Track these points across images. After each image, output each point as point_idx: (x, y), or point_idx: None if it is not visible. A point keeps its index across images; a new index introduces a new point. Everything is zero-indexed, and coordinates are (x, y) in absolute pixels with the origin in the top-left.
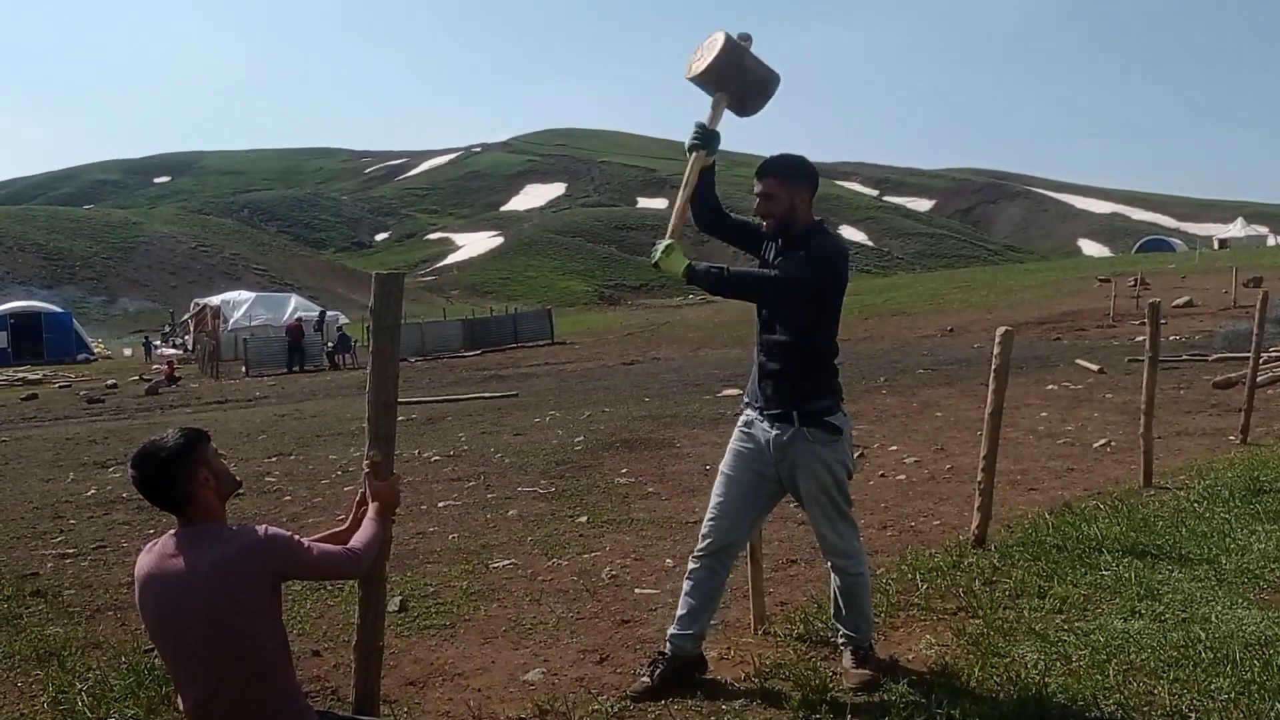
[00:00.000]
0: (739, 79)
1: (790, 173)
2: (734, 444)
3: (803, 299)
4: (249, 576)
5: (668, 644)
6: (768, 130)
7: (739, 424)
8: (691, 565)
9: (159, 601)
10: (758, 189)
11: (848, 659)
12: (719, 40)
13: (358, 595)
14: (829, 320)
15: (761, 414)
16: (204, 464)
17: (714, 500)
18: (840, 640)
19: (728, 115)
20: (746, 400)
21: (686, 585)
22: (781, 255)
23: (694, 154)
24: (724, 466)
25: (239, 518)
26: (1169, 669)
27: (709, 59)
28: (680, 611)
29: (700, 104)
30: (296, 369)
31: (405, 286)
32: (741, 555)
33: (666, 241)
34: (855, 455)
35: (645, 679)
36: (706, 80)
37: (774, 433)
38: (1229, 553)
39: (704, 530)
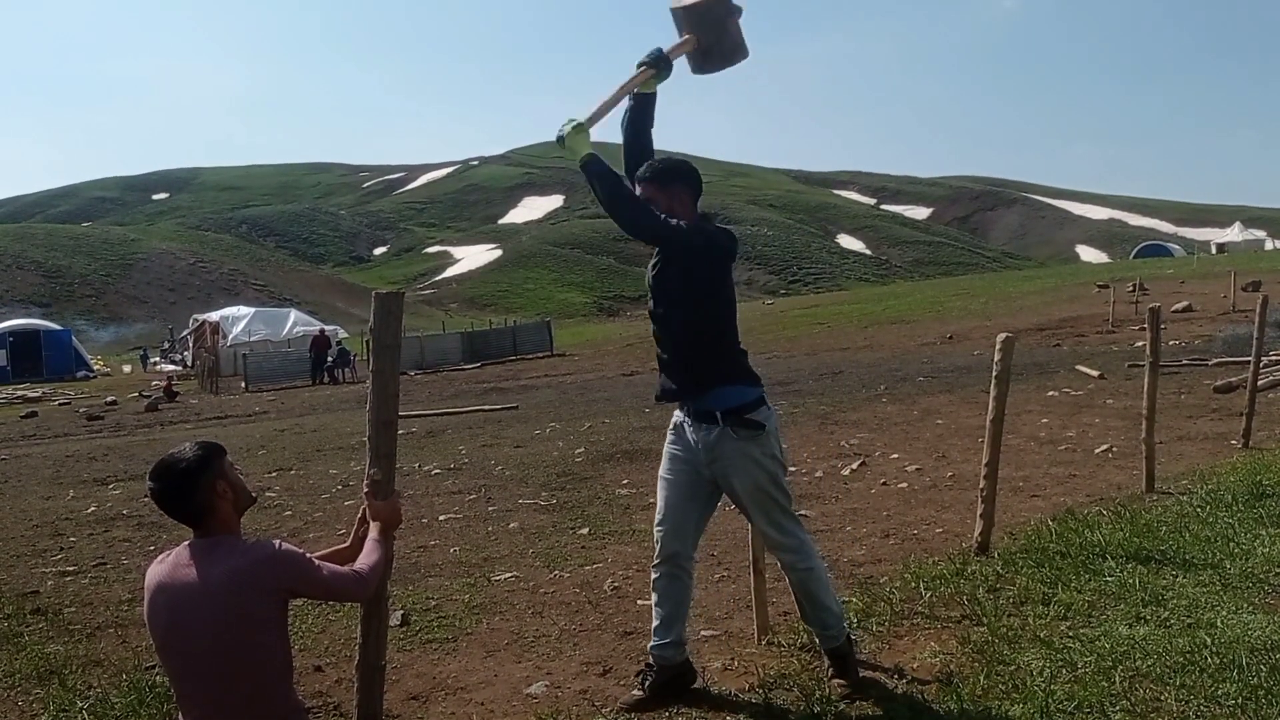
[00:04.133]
0: (716, 32)
1: (667, 177)
2: (667, 447)
3: (694, 275)
4: (260, 589)
5: (651, 657)
6: (766, 140)
7: (670, 426)
8: (652, 576)
9: (170, 610)
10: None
11: (828, 665)
12: None
13: (359, 613)
14: (720, 300)
15: (686, 415)
16: (222, 476)
17: (659, 506)
18: (817, 642)
19: (680, 67)
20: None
21: (653, 597)
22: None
23: (641, 69)
24: (662, 471)
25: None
26: (1175, 675)
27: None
28: (655, 624)
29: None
30: (325, 381)
31: (404, 301)
32: (745, 566)
33: (578, 120)
34: (857, 464)
35: (636, 690)
36: (687, 17)
37: (702, 434)
38: (1233, 557)
39: (655, 538)
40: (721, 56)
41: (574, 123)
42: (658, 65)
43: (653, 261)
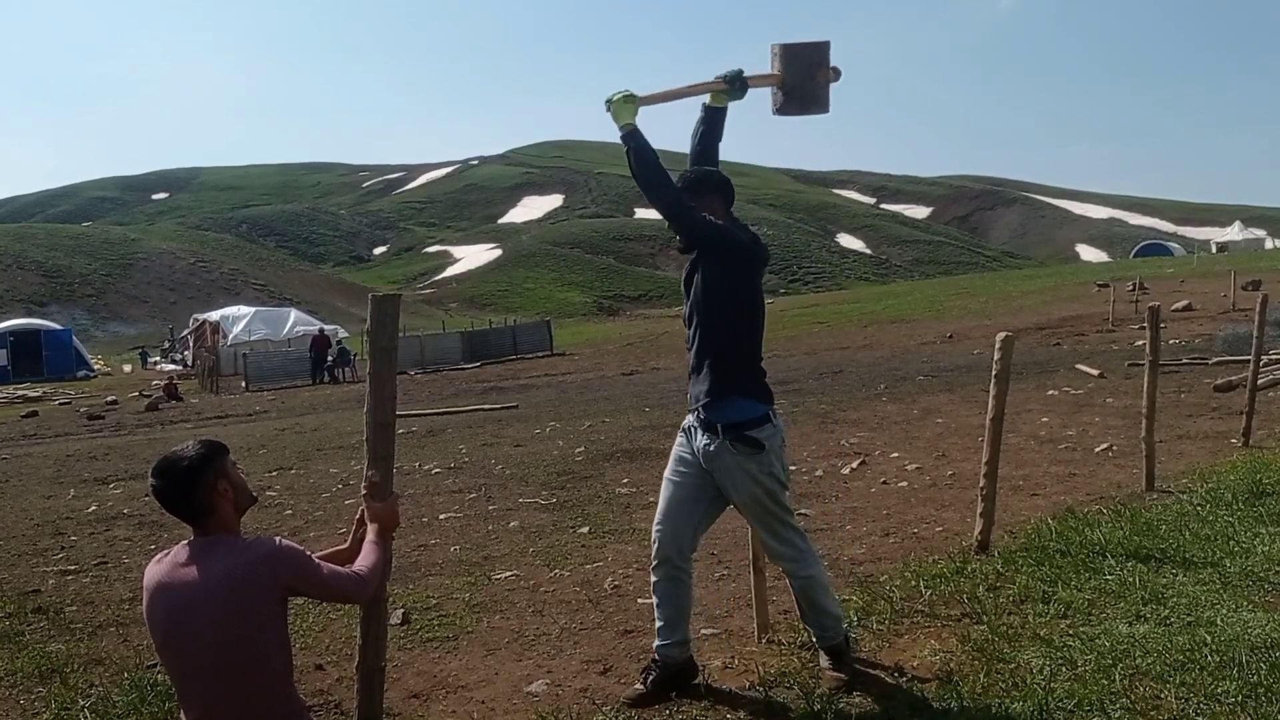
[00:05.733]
0: (802, 77)
1: (701, 186)
2: (675, 449)
3: (713, 278)
4: (260, 587)
5: (656, 654)
6: (767, 138)
7: (680, 427)
8: (652, 578)
9: (170, 610)
10: None
11: (824, 660)
12: (823, 44)
13: (359, 613)
14: (738, 306)
15: (696, 420)
16: (224, 475)
17: (660, 507)
18: (814, 640)
19: (758, 103)
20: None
21: (654, 599)
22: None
23: (716, 79)
24: (667, 471)
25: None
26: (1175, 673)
27: (803, 45)
28: (658, 624)
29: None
30: (326, 380)
31: (403, 300)
32: (745, 564)
33: (630, 91)
34: (857, 463)
35: (639, 685)
36: (784, 54)
37: (703, 442)
38: (1233, 556)
39: (653, 538)
40: (800, 102)
41: (627, 93)
42: (733, 83)
43: (687, 264)
